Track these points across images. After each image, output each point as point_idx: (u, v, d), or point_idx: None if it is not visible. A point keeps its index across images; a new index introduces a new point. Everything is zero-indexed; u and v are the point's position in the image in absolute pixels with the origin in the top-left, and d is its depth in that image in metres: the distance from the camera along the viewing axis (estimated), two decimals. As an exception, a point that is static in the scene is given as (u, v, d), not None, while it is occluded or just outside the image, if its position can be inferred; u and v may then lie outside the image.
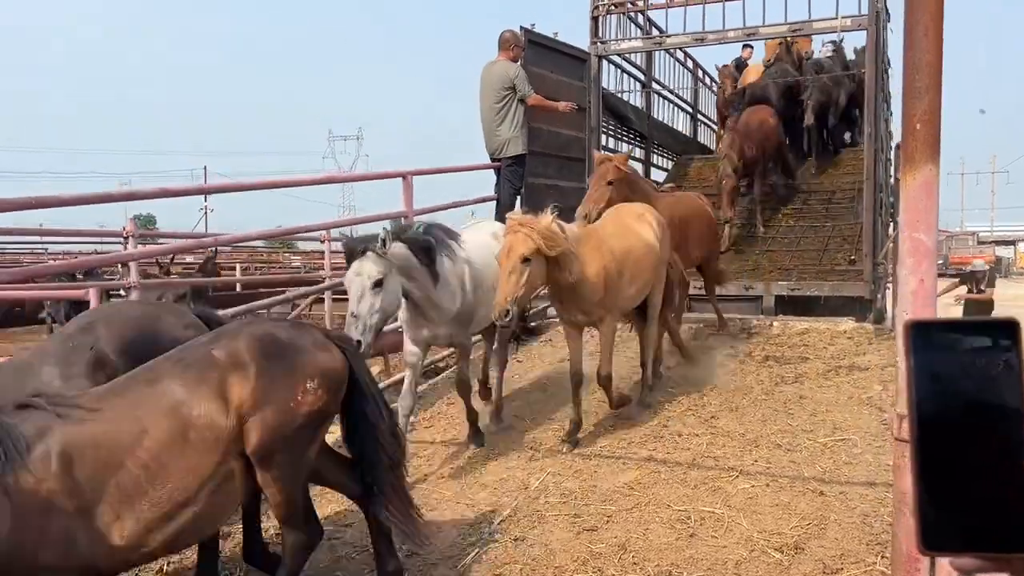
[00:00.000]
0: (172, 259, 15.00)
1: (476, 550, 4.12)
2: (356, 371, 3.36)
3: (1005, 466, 0.75)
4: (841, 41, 11.65)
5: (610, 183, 6.33)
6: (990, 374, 0.76)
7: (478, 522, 4.46)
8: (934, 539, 0.75)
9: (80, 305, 4.50)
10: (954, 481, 0.75)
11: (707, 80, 15.31)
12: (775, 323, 8.18)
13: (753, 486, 4.65)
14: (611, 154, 7.61)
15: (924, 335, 0.78)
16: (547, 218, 4.74)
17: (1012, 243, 52.45)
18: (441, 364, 8.01)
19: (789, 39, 10.88)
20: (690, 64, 14.21)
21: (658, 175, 12.97)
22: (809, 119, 10.59)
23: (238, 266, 16.13)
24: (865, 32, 8.60)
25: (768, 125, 10.00)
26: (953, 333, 0.78)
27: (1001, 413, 0.75)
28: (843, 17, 8.67)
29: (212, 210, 45.43)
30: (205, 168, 54.73)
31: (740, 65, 13.11)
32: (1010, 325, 0.77)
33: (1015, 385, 0.75)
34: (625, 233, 5.60)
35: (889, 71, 9.73)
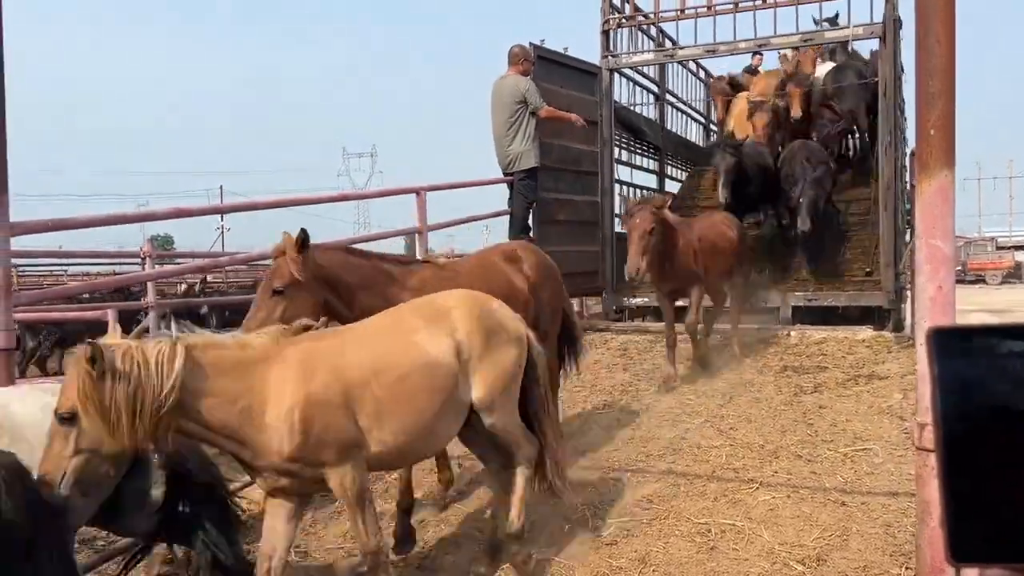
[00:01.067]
0: (204, 280, 15.12)
1: (496, 565, 4.09)
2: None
3: None
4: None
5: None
6: (1018, 379, 0.74)
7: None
8: (962, 549, 0.74)
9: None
10: (982, 489, 0.74)
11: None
12: (793, 332, 8.12)
13: (774, 497, 4.60)
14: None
15: (947, 342, 0.77)
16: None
17: (1031, 248, 51.78)
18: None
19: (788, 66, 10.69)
20: (702, 75, 14.21)
21: (672, 186, 12.96)
22: (805, 223, 8.74)
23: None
24: (877, 40, 8.59)
25: (725, 240, 7.68)
26: (977, 339, 0.77)
27: None
28: (856, 26, 8.66)
29: (229, 229, 45.77)
30: (221, 188, 55.19)
31: (733, 83, 12.66)
32: None
33: None
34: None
35: (903, 77, 9.70)
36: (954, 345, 0.76)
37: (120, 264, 16.32)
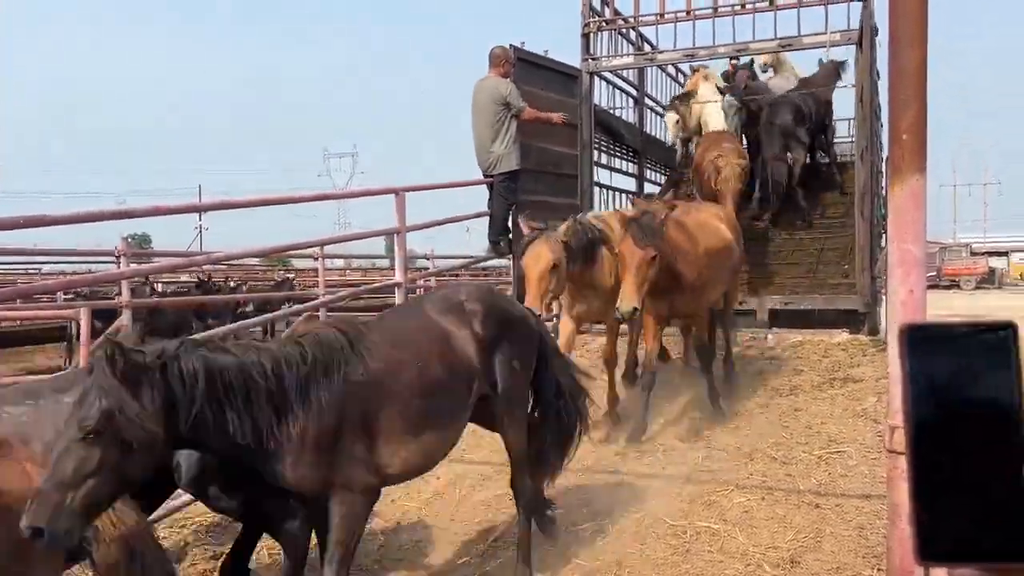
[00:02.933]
0: (210, 277, 15.05)
1: (471, 568, 4.09)
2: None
3: (1004, 473, 0.73)
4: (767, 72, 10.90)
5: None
6: (988, 378, 0.74)
7: (472, 541, 4.43)
8: (931, 549, 0.73)
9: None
10: (951, 489, 0.73)
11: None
12: (770, 335, 8.18)
13: (749, 500, 4.63)
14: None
15: (918, 339, 0.76)
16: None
17: (1005, 254, 52.59)
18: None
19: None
20: (681, 79, 14.28)
21: (651, 189, 13.01)
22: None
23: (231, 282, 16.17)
24: (854, 47, 8.68)
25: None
26: (949, 336, 0.76)
27: (999, 418, 0.73)
28: (833, 32, 8.74)
29: (207, 228, 45.46)
30: (200, 186, 54.80)
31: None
32: (1007, 327, 0.75)
33: (1014, 389, 0.73)
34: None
35: (878, 83, 9.80)
36: (926, 342, 0.76)
37: (96, 263, 16.15)
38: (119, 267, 8.08)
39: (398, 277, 7.09)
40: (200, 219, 44.32)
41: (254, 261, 20.11)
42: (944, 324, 0.77)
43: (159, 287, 14.96)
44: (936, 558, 0.73)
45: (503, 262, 13.63)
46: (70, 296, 11.03)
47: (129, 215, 5.56)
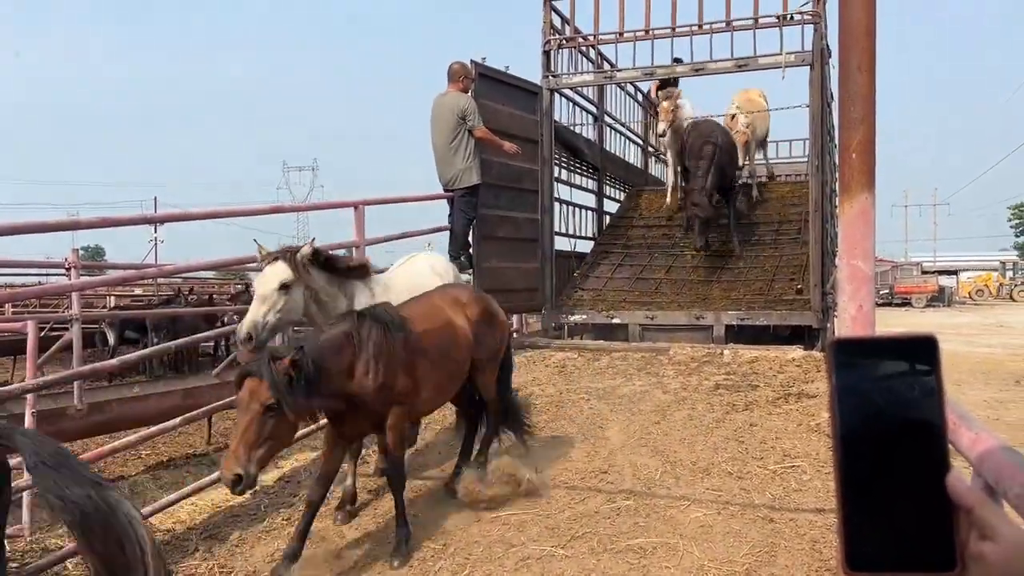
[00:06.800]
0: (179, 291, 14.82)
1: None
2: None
3: (927, 484, 0.75)
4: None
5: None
6: (911, 391, 0.76)
7: (427, 558, 4.38)
8: (859, 559, 0.75)
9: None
10: (878, 500, 0.75)
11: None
12: (726, 351, 8.27)
13: (705, 514, 4.65)
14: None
15: (847, 354, 0.78)
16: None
17: (955, 273, 54.05)
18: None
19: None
20: (640, 97, 14.48)
21: (611, 206, 13.14)
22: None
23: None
24: (808, 68, 8.87)
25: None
26: (875, 351, 0.78)
27: (922, 430, 0.75)
28: (787, 53, 8.92)
29: (162, 241, 44.63)
30: (155, 199, 53.91)
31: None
32: (928, 341, 0.77)
33: (935, 401, 0.75)
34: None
35: (832, 104, 10.03)
36: (854, 357, 0.78)
37: (46, 275, 15.78)
38: (69, 279, 7.89)
39: (356, 291, 7.02)
40: (155, 232, 43.57)
41: (209, 274, 19.80)
42: (870, 339, 0.79)
43: (111, 301, 14.66)
44: (863, 568, 0.75)
45: (464, 276, 13.61)
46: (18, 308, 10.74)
47: (79, 226, 5.44)
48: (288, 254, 4.83)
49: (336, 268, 5.11)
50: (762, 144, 12.72)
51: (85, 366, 4.58)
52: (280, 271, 4.75)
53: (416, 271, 5.92)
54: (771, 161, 14.56)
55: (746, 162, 11.85)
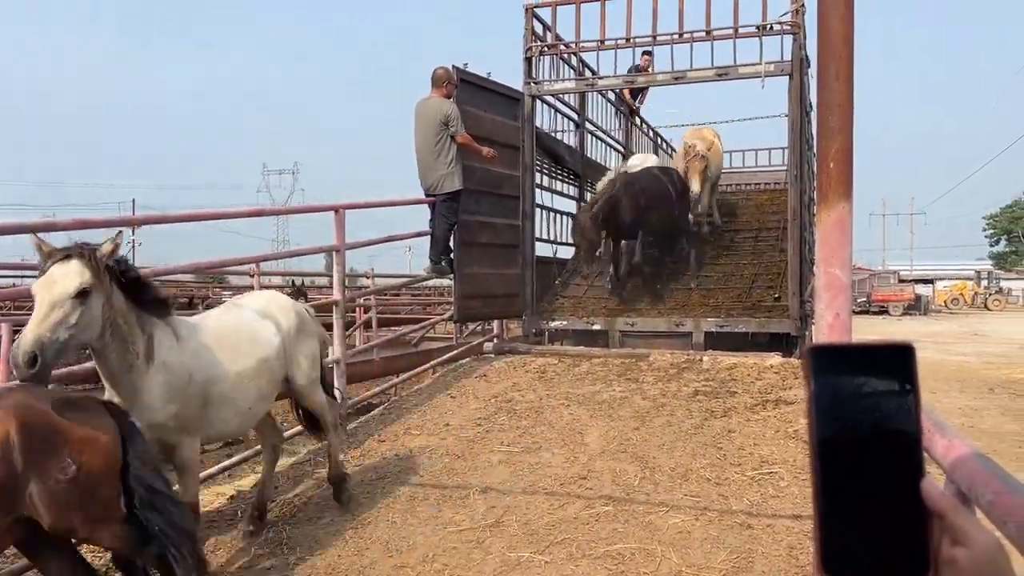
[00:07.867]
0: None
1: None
2: None
3: (902, 490, 0.76)
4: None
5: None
6: (887, 398, 0.77)
7: (406, 564, 4.37)
8: (835, 564, 0.76)
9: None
10: (854, 506, 0.76)
11: (638, 121, 15.69)
12: (705, 358, 8.31)
13: (683, 520, 4.67)
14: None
15: (824, 360, 0.79)
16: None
17: (931, 281, 54.73)
18: (375, 401, 7.88)
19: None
20: (614, 97, 14.53)
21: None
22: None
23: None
24: (787, 77, 8.95)
25: None
26: (852, 358, 0.79)
27: (898, 437, 0.76)
28: (767, 63, 8.99)
29: (140, 244, 44.25)
30: (133, 201, 53.47)
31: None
32: (904, 348, 0.78)
33: (910, 408, 0.76)
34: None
35: (811, 114, 10.12)
36: (830, 363, 0.79)
37: (21, 277, 15.57)
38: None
39: (336, 295, 7.01)
40: (133, 233, 43.16)
41: (187, 277, 19.64)
42: (847, 346, 0.80)
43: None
44: (838, 572, 0.76)
45: (444, 281, 13.60)
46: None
47: (55, 228, 5.37)
48: (85, 252, 3.56)
49: (139, 293, 3.85)
50: (714, 187, 11.97)
51: (61, 369, 4.52)
52: (76, 272, 3.49)
53: (237, 316, 4.71)
54: (750, 169, 14.63)
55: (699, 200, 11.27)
